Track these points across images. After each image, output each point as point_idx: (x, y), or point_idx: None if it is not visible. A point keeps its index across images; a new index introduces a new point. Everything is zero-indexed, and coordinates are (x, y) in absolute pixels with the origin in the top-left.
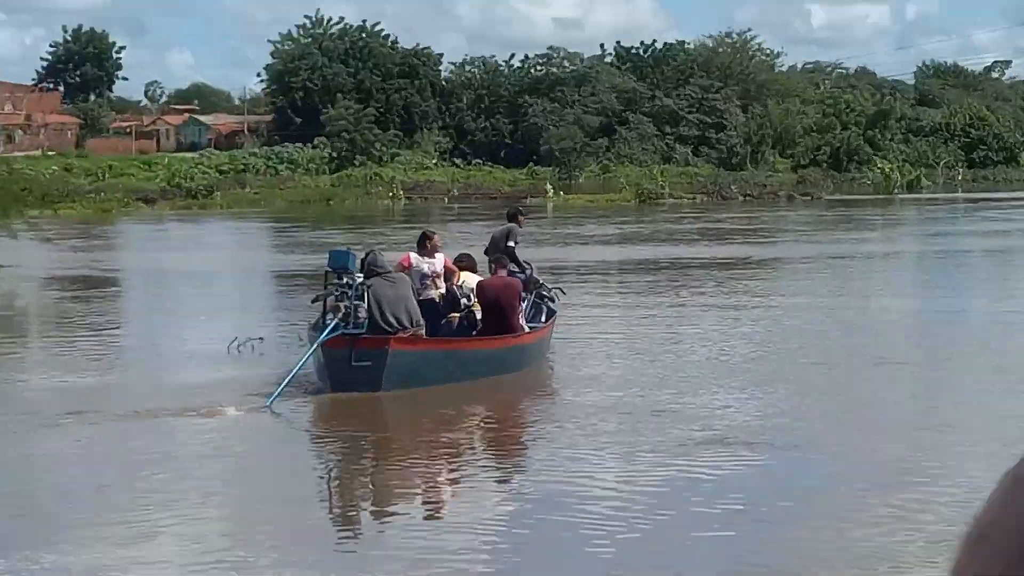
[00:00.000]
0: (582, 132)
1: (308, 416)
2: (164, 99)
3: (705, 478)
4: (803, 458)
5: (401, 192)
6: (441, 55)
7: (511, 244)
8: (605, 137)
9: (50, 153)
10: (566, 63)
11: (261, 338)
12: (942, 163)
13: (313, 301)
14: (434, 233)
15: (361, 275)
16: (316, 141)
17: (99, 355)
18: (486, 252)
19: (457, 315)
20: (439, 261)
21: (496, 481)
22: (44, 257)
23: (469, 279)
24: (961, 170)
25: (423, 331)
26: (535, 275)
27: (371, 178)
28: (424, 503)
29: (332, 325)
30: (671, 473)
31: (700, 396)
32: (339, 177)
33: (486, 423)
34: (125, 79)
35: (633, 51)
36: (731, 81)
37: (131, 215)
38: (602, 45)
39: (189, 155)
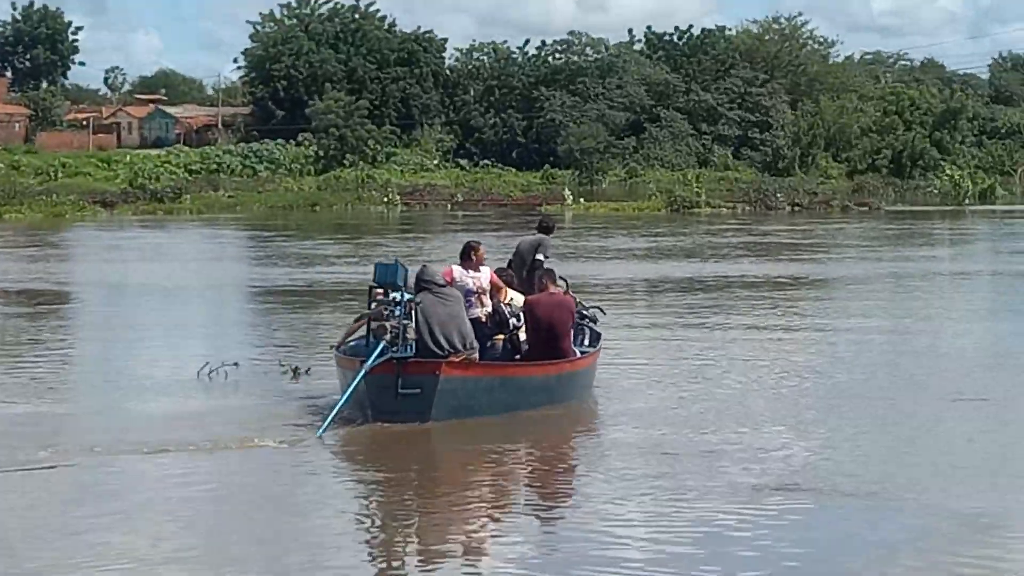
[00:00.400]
0: (606, 130)
1: (340, 451)
2: (126, 88)
3: (760, 529)
4: (871, 507)
5: (397, 197)
6: (445, 40)
7: (540, 257)
8: (632, 136)
9: None
10: (588, 51)
11: (236, 363)
12: (1020, 170)
13: (356, 320)
14: (479, 244)
15: (401, 291)
16: (300, 138)
17: (52, 381)
18: (509, 266)
19: (502, 337)
20: (485, 276)
21: (535, 530)
22: None
23: (516, 297)
24: None
25: (476, 355)
26: (571, 293)
27: (363, 181)
28: (454, 555)
29: (379, 348)
30: (723, 522)
31: (754, 434)
32: (326, 179)
33: (530, 464)
34: (82, 64)
35: (666, 38)
36: (778, 73)
37: (87, 220)
38: (630, 31)
39: (154, 152)
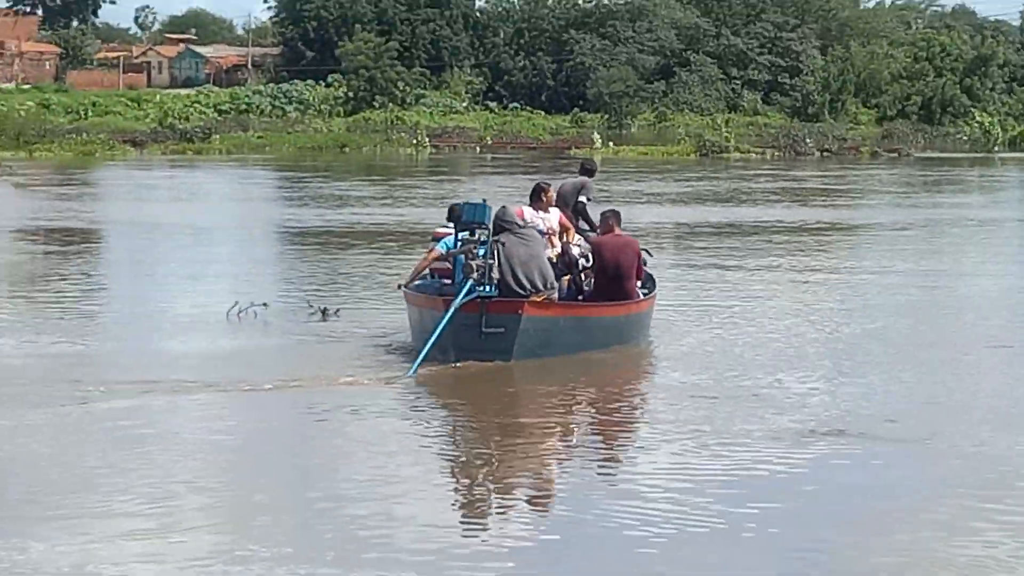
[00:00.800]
0: (636, 74)
1: (429, 389)
2: (156, 27)
3: (804, 475)
4: (913, 454)
5: (426, 139)
6: None
7: (583, 200)
8: (662, 80)
9: (25, 87)
10: None
11: (265, 304)
12: None
13: (429, 259)
14: (549, 185)
15: (488, 230)
16: (330, 79)
17: (82, 319)
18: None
19: (568, 277)
20: (554, 217)
21: (593, 479)
22: (16, 206)
23: (579, 239)
24: None
25: (556, 294)
26: None
27: (392, 122)
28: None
29: (467, 287)
30: (771, 467)
31: (799, 379)
32: (355, 121)
33: (595, 407)
34: (113, 3)
35: None
36: (809, 18)
37: (117, 160)
38: None
39: (184, 92)
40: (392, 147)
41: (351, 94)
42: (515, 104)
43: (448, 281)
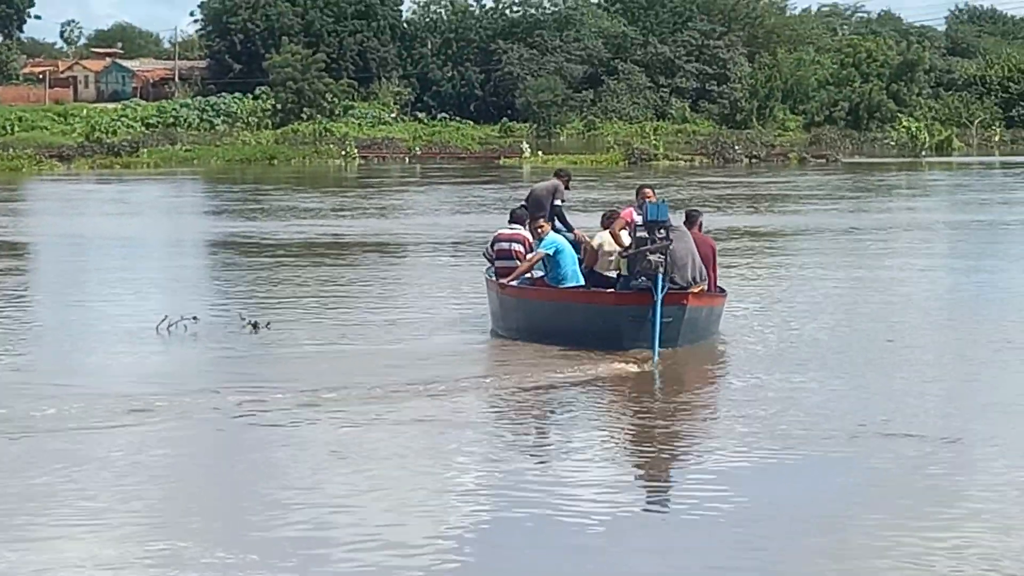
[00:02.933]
0: (564, 83)
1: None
2: (83, 42)
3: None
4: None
5: (355, 151)
6: None
7: (559, 203)
8: (590, 89)
9: None
10: (546, 4)
11: (195, 317)
12: (976, 122)
13: (625, 255)
14: (648, 187)
15: (668, 228)
16: (258, 91)
17: (4, 334)
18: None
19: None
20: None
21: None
22: None
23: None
24: (998, 130)
25: (706, 286)
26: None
27: (321, 134)
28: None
29: (660, 281)
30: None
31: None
32: (284, 133)
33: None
34: (38, 18)
35: None
36: (735, 26)
37: (44, 174)
38: None
39: (111, 106)
40: (321, 159)
41: (279, 106)
42: (444, 114)
43: (540, 274)
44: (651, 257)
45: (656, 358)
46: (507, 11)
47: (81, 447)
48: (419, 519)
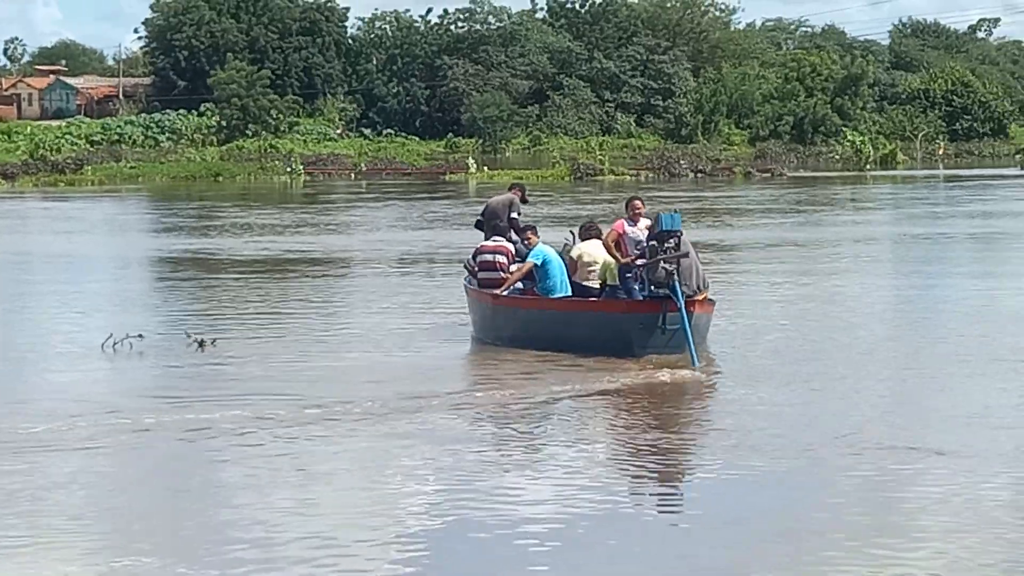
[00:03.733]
0: (509, 99)
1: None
2: (26, 59)
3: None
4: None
5: (301, 167)
6: (347, 10)
7: (515, 216)
8: (535, 104)
9: None
10: (491, 19)
11: (140, 335)
12: (920, 135)
13: (642, 265)
14: (638, 199)
15: (678, 238)
16: (202, 108)
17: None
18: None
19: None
20: (642, 227)
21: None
22: None
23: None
24: (942, 143)
25: (708, 294)
26: None
27: (266, 151)
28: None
29: (675, 288)
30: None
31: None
32: (229, 150)
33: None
34: None
35: (568, 6)
36: (680, 41)
37: None
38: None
39: (55, 123)
40: (266, 175)
41: (224, 123)
42: (389, 130)
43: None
44: (664, 267)
45: (697, 362)
46: (452, 27)
47: (25, 466)
48: (371, 532)
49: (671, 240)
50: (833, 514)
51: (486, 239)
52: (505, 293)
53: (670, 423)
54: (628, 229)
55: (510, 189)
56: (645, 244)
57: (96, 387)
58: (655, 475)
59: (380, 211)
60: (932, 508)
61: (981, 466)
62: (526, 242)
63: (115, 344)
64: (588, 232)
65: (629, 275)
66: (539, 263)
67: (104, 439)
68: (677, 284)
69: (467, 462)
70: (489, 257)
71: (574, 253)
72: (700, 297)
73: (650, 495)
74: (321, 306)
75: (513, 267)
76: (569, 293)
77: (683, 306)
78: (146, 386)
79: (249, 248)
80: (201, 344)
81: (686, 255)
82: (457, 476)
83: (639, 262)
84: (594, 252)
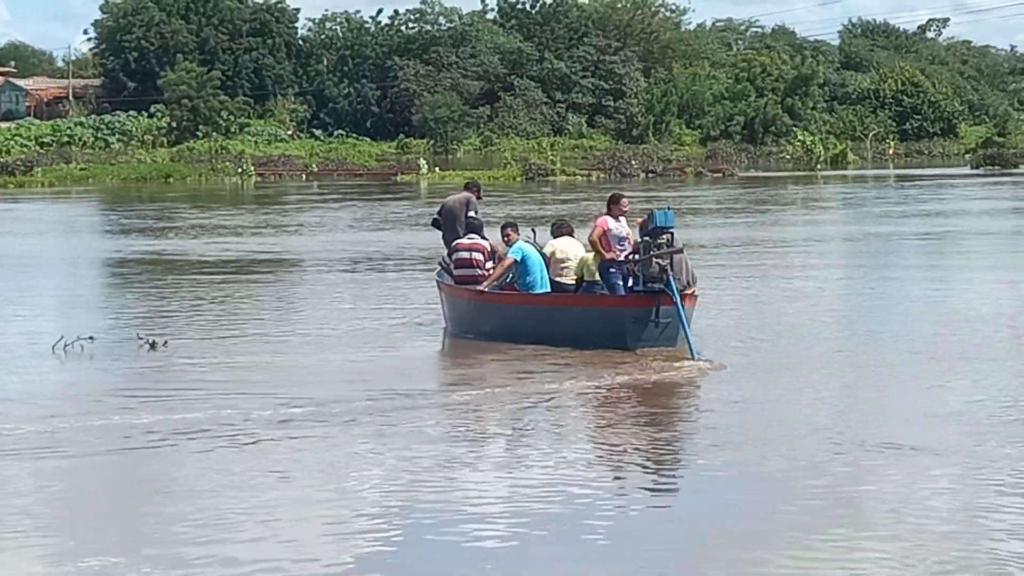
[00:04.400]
0: (460, 99)
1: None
2: None
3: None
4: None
5: (252, 168)
6: (298, 11)
7: (472, 214)
8: (487, 105)
9: None
10: (442, 20)
11: (91, 337)
12: (871, 135)
13: (636, 261)
14: (623, 196)
15: (672, 233)
16: (152, 109)
17: None
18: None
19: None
20: (624, 224)
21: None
22: None
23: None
24: (892, 143)
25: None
26: None
27: (217, 152)
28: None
29: (672, 283)
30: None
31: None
32: (179, 151)
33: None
34: None
35: (519, 6)
36: (631, 41)
37: None
38: (483, 0)
39: (4, 125)
40: (217, 176)
41: (174, 124)
42: (340, 131)
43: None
44: (658, 262)
45: (695, 353)
46: (403, 27)
47: None
48: (329, 538)
49: (664, 236)
50: (803, 510)
51: (444, 238)
52: (487, 289)
53: (647, 421)
54: (611, 225)
55: (465, 188)
56: (639, 240)
57: (45, 388)
58: (633, 473)
59: (337, 211)
60: (905, 506)
61: (964, 462)
62: (506, 239)
63: (66, 346)
64: (560, 229)
65: (613, 270)
66: (519, 259)
67: (52, 441)
68: (672, 279)
69: (434, 461)
70: (465, 255)
71: (548, 250)
72: (690, 291)
73: (628, 492)
74: (277, 307)
75: (489, 264)
76: (548, 289)
77: (678, 300)
78: (95, 388)
79: (204, 249)
80: (152, 345)
81: (680, 251)
82: (417, 474)
83: (633, 257)
84: (567, 249)
